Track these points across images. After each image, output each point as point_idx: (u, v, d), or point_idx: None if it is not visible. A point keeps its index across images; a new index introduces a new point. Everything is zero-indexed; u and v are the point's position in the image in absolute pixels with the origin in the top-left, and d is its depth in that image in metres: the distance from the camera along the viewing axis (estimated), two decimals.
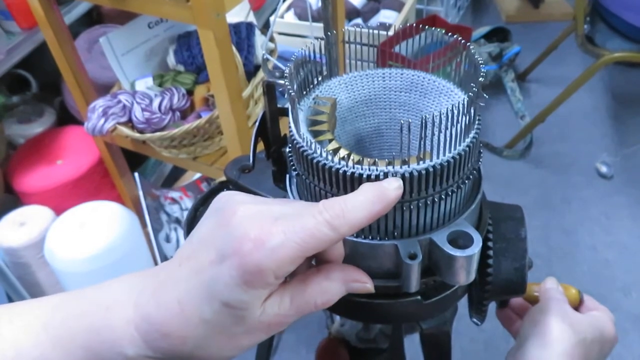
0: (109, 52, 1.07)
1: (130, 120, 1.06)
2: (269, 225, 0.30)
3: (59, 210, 1.20)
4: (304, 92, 0.44)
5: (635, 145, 1.92)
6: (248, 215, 0.31)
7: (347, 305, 0.43)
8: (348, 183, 0.37)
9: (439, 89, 0.45)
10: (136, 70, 1.13)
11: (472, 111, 0.37)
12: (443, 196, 0.38)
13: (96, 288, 0.35)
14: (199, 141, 1.05)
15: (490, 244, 0.45)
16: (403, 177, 0.36)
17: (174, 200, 1.53)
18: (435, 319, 0.46)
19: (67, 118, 1.52)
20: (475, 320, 0.48)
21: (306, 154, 0.38)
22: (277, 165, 0.51)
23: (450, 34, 0.43)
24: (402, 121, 0.34)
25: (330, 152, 0.38)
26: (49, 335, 0.32)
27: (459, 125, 0.36)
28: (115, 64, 1.09)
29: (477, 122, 0.39)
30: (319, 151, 0.38)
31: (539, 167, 1.93)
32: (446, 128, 0.35)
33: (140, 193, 1.41)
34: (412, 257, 0.37)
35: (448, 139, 0.36)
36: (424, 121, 0.34)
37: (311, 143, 0.38)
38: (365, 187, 0.33)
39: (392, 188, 0.33)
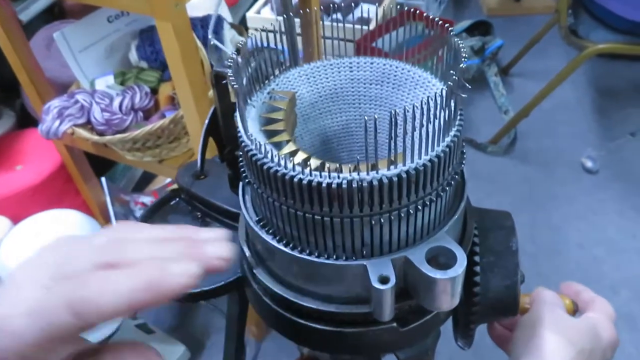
0: (64, 49, 0.99)
1: (89, 122, 0.98)
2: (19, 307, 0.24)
3: (17, 220, 1.12)
4: (257, 86, 0.38)
5: (620, 138, 1.89)
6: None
7: (311, 335, 0.37)
8: (305, 194, 0.31)
9: (414, 80, 0.39)
10: (96, 67, 1.05)
11: (453, 104, 0.31)
12: (420, 207, 0.32)
13: None
14: (164, 143, 0.98)
15: (477, 258, 0.39)
16: (371, 185, 0.30)
17: (145, 205, 1.45)
18: (415, 348, 0.39)
19: (28, 121, 1.43)
20: (461, 344, 0.42)
21: (255, 158, 0.32)
22: (233, 168, 0.44)
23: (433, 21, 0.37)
24: (366, 117, 0.28)
25: (285, 156, 0.31)
26: None
27: (437, 121, 0.30)
28: (72, 62, 1.01)
29: (458, 117, 0.33)
30: (269, 155, 0.31)
31: (524, 162, 1.89)
32: (422, 125, 0.29)
33: (108, 199, 1.33)
34: (384, 280, 0.31)
35: (424, 138, 0.30)
36: (393, 116, 0.28)
37: (260, 145, 0.31)
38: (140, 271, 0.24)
39: (177, 273, 0.23)
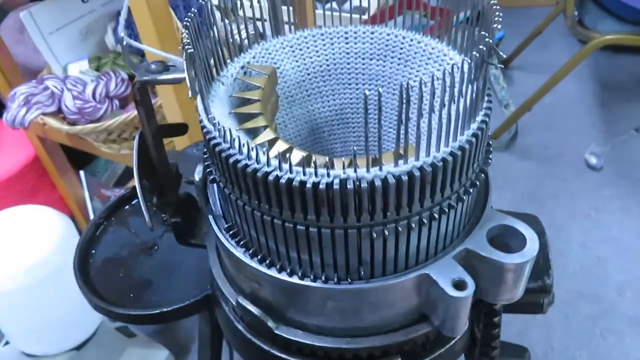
0: (33, 30, 0.90)
1: (60, 110, 0.90)
2: None
3: None
4: (225, 58, 0.30)
5: (624, 134, 1.83)
6: None
7: None
8: (285, 196, 0.23)
9: (426, 54, 0.31)
10: (69, 51, 0.97)
11: (482, 78, 0.23)
12: (436, 214, 0.24)
13: None
14: None
15: None
16: (372, 186, 0.22)
17: None
18: None
19: (1, 110, 1.34)
20: None
21: (218, 148, 0.24)
22: (178, 215, 0.34)
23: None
24: (366, 92, 0.20)
25: (259, 146, 0.24)
26: None
27: (462, 101, 0.22)
28: (42, 44, 0.93)
29: (486, 97, 0.25)
30: (237, 144, 0.23)
31: (525, 158, 1.82)
32: (442, 105, 0.21)
33: (86, 194, 1.25)
34: (460, 286, 0.24)
35: (445, 123, 0.22)
36: (405, 92, 0.20)
37: (224, 132, 0.24)
38: None
39: None
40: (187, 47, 0.23)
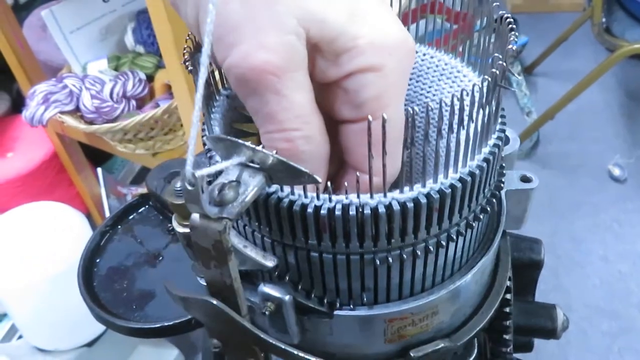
0: (54, 29, 0.91)
1: (78, 109, 0.91)
2: None
3: (2, 211, 1.05)
4: None
5: None
6: None
7: None
8: (285, 221, 0.22)
9: (438, 69, 0.30)
10: (89, 51, 0.97)
11: (495, 101, 0.22)
12: (443, 242, 0.23)
13: None
14: (158, 135, 0.90)
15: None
16: (376, 213, 0.21)
17: None
18: None
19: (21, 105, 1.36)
20: None
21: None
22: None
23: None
24: (370, 117, 0.19)
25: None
26: None
27: (472, 125, 0.21)
28: (63, 43, 0.93)
29: (499, 119, 0.24)
30: None
31: (546, 168, 1.78)
32: (451, 129, 0.20)
33: (103, 191, 1.26)
34: (528, 178, 0.30)
35: (454, 147, 0.21)
36: (410, 116, 0.19)
37: None
38: None
39: None
40: (187, 63, 0.23)
